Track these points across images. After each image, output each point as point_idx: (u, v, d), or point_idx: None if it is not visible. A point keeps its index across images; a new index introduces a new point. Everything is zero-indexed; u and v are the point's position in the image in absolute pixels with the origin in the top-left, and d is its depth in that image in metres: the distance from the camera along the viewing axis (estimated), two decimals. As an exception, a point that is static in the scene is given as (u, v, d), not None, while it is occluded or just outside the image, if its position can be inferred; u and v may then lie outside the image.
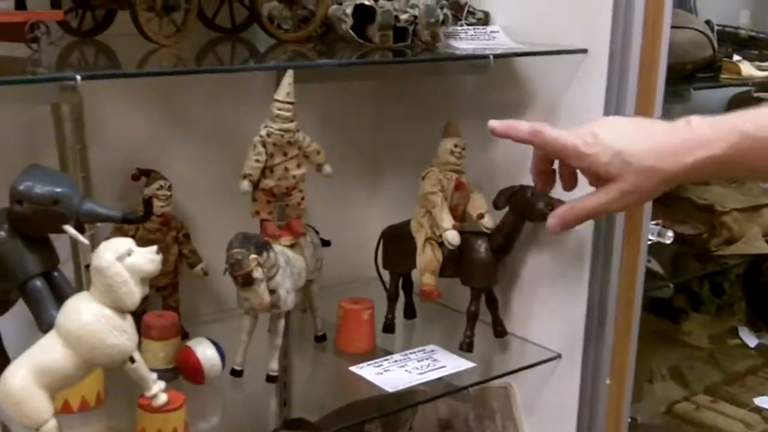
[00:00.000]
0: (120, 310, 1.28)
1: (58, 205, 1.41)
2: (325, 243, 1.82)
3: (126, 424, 1.50)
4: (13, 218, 1.43)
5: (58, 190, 1.42)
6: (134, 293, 1.28)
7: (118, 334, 1.28)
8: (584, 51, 1.67)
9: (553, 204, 1.71)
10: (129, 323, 1.30)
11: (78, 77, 1.16)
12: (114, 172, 1.73)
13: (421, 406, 1.84)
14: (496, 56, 1.58)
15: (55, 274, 1.49)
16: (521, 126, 1.27)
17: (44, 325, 1.35)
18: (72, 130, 1.66)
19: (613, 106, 1.68)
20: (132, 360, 1.31)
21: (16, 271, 1.44)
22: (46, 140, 1.63)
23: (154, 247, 1.31)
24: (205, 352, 1.59)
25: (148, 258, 1.29)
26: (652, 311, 2.58)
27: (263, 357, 1.63)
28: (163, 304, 1.75)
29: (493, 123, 1.29)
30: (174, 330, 1.63)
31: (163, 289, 1.77)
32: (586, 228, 1.72)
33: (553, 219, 1.30)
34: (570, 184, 1.40)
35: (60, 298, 1.35)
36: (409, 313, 1.95)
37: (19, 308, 1.49)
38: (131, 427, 1.43)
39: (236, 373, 1.63)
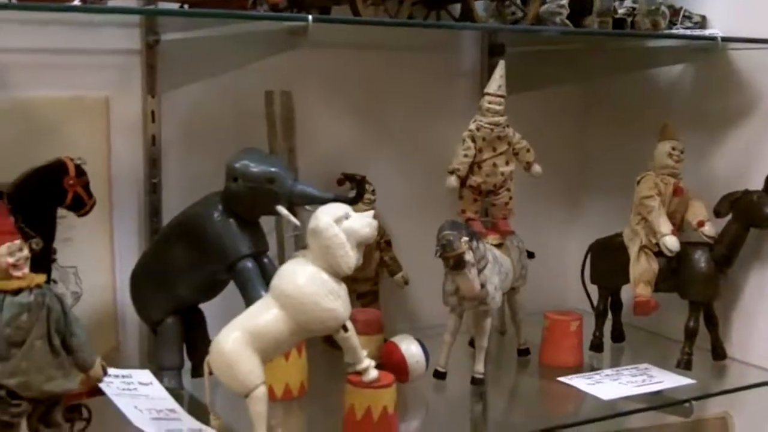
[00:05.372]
0: (335, 274, 1.24)
1: (272, 184, 1.42)
2: (530, 255, 1.74)
3: (325, 418, 1.46)
4: (228, 197, 1.44)
5: (273, 169, 1.43)
6: (350, 257, 1.24)
7: (333, 298, 1.24)
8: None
9: (783, 208, 1.59)
10: (343, 289, 1.26)
11: (310, 18, 1.15)
12: (319, 175, 1.72)
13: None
14: (723, 39, 1.49)
15: (265, 260, 1.49)
16: None
17: (253, 305, 1.32)
18: (282, 130, 1.69)
19: None
20: (345, 329, 1.27)
21: (228, 250, 1.44)
22: (258, 141, 1.65)
23: (371, 212, 1.28)
24: (409, 348, 1.53)
25: (365, 222, 1.26)
26: None
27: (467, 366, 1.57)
28: (363, 312, 1.72)
29: None
30: (377, 326, 1.59)
31: (363, 297, 1.74)
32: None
33: None
34: None
35: (268, 283, 1.32)
36: (617, 335, 1.83)
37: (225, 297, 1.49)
38: (330, 421, 1.38)
39: (439, 375, 1.57)
